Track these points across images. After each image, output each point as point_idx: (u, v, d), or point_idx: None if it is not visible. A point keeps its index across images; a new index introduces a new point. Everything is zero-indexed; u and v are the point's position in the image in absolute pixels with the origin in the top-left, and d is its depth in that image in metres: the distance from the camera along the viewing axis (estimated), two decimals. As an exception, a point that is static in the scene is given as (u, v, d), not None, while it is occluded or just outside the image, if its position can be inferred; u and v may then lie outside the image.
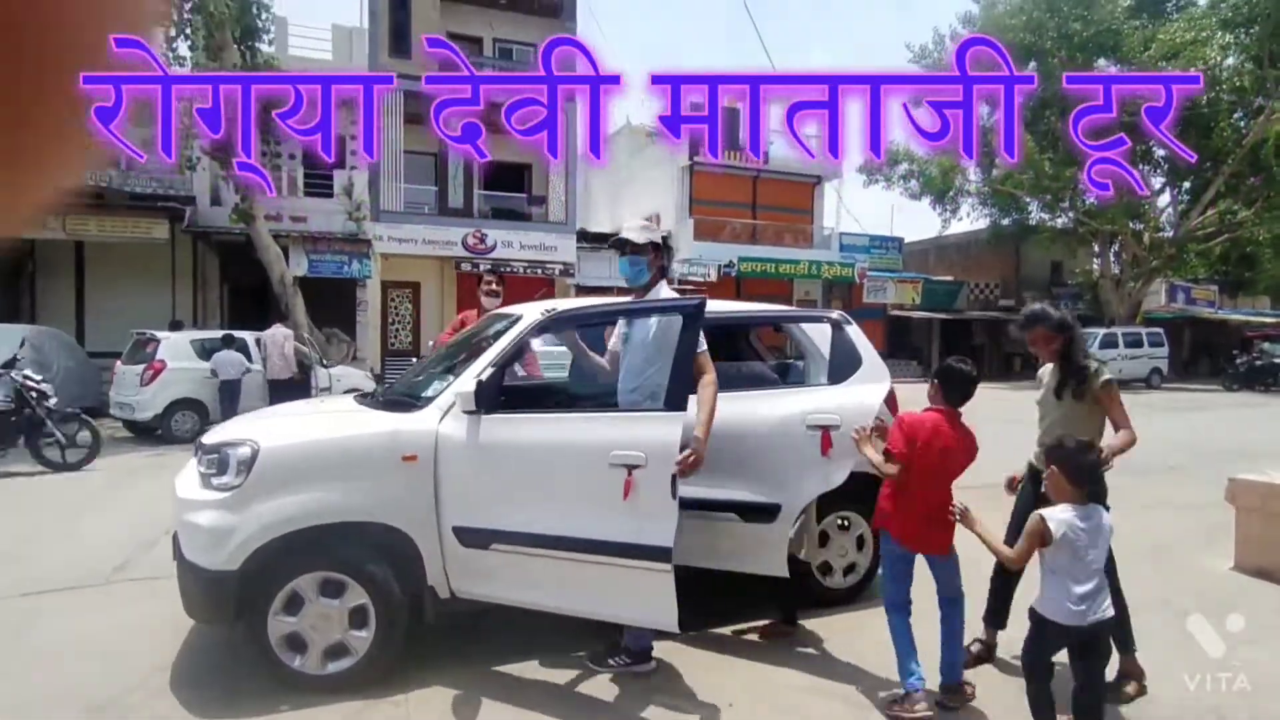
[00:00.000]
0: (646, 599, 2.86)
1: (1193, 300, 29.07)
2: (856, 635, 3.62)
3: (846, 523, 4.02)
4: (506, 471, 3.13)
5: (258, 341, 10.65)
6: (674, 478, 2.80)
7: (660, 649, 3.41)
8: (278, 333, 10.39)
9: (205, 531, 2.85)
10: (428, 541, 3.05)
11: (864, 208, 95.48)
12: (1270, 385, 21.15)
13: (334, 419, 3.28)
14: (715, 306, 3.94)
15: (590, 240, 23.09)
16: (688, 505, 3.44)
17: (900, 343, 27.43)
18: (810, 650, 3.49)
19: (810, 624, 3.76)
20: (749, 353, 4.30)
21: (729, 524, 3.55)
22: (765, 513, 3.50)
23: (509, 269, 19.51)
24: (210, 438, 3.19)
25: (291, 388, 9.68)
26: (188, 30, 12.44)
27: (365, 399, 3.63)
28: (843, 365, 3.75)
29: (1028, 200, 25.95)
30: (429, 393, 3.34)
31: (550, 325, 3.47)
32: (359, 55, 17.86)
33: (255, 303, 15.77)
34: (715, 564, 3.61)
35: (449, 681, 3.08)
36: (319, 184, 16.56)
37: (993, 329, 29.82)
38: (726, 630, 3.70)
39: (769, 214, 25.12)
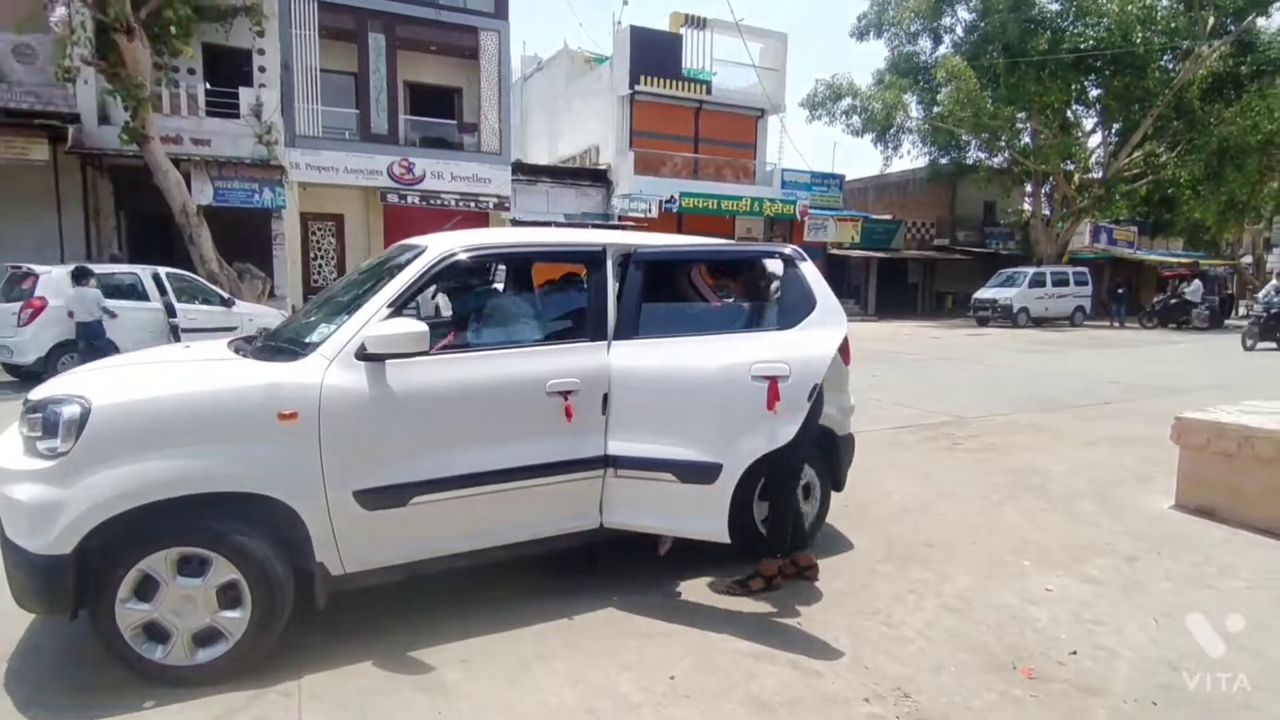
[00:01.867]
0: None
1: (1114, 241, 30.08)
2: (801, 592, 3.39)
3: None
4: (445, 414, 2.83)
5: (155, 278, 9.67)
6: None
7: (596, 618, 3.11)
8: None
9: (27, 508, 2.33)
10: (313, 512, 2.61)
11: (804, 145, 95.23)
12: (1184, 323, 22.15)
13: (194, 369, 2.73)
14: (656, 240, 3.53)
15: (526, 173, 22.08)
16: (621, 464, 3.13)
17: (839, 281, 27.58)
18: (756, 610, 3.23)
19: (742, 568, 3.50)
20: (691, 292, 3.91)
21: (665, 484, 3.20)
22: (704, 472, 3.12)
23: (439, 202, 18.48)
24: (37, 392, 2.63)
25: None
26: None
27: (241, 344, 3.09)
28: (795, 307, 3.34)
29: (966, 139, 26.00)
30: (314, 337, 2.84)
31: (457, 266, 2.99)
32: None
33: (159, 234, 14.45)
34: (650, 527, 3.30)
35: (349, 665, 2.70)
36: (223, 104, 15.09)
37: (927, 267, 30.30)
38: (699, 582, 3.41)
39: (711, 148, 24.45)
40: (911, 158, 28.59)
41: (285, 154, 15.60)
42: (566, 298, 3.50)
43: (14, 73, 12.94)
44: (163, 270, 9.88)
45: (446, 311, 5.04)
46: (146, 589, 2.47)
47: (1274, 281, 18.87)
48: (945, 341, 17.39)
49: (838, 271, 27.44)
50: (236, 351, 2.97)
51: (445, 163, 18.63)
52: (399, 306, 2.84)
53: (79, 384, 2.55)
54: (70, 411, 2.37)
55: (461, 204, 18.75)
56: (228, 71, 15.78)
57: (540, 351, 3.10)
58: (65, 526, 2.32)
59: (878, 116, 25.20)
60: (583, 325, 3.24)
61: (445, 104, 20.54)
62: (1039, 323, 22.64)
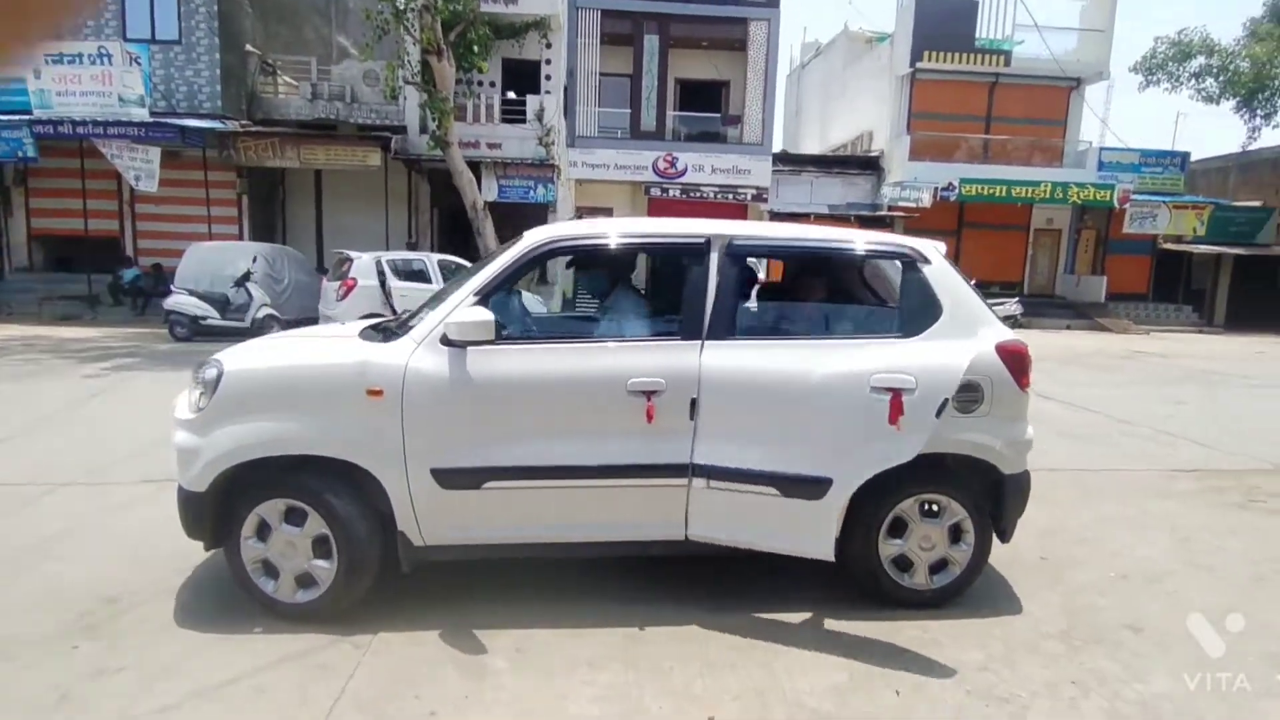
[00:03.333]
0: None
1: None
2: (920, 655, 2.82)
3: (934, 508, 3.15)
4: (520, 404, 2.87)
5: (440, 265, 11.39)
6: None
7: (670, 633, 2.92)
8: None
9: (179, 450, 2.84)
10: (395, 484, 2.81)
11: (1137, 120, 78.17)
12: None
13: (312, 346, 3.11)
14: (754, 229, 3.20)
15: (789, 163, 21.61)
16: (711, 474, 2.90)
17: (1172, 283, 22.67)
18: (854, 661, 2.77)
19: (860, 627, 3.01)
20: (811, 289, 3.45)
21: (764, 498, 2.93)
22: (811, 485, 2.85)
23: (699, 194, 18.92)
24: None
25: None
26: None
27: (378, 327, 3.43)
28: (916, 315, 2.98)
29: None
30: (414, 321, 3.04)
31: (548, 254, 2.98)
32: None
33: (464, 226, 16.89)
34: (743, 542, 3.01)
35: (420, 631, 2.87)
36: (516, 111, 17.04)
37: (1310, 269, 23.49)
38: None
39: (1009, 127, 21.55)
40: (1295, 127, 22.21)
41: (564, 154, 17.16)
42: (669, 292, 3.30)
43: (363, 95, 16.00)
44: (435, 257, 11.59)
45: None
46: (263, 531, 2.87)
47: None
48: (1313, 365, 13.36)
49: (1172, 271, 22.58)
50: (370, 331, 3.29)
51: (707, 156, 19.00)
52: (486, 295, 2.92)
53: (228, 352, 3.04)
54: (210, 374, 2.85)
55: (720, 196, 19.00)
56: (522, 81, 17.78)
57: (626, 347, 2.97)
58: (201, 468, 2.78)
59: (1244, 77, 20.10)
60: (677, 322, 3.04)
61: (713, 98, 20.90)
62: None
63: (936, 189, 19.79)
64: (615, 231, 3.17)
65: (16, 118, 13.96)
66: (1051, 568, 3.67)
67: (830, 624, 3.02)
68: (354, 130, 15.88)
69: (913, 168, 20.40)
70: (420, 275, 11.28)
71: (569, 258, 3.16)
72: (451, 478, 2.83)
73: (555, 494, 2.90)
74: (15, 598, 3.04)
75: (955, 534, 3.16)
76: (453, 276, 11.52)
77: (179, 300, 11.60)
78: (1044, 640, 2.96)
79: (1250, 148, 24.16)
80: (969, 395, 3.03)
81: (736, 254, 3.07)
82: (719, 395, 2.90)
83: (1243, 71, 19.94)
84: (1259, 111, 21.39)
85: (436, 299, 3.23)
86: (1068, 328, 19.57)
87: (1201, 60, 20.66)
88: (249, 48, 16.06)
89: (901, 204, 20.08)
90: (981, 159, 21.23)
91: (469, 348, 2.83)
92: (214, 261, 12.11)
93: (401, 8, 13.07)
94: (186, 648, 2.71)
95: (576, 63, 18.24)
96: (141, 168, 14.04)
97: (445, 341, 2.83)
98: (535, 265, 3.04)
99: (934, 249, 3.26)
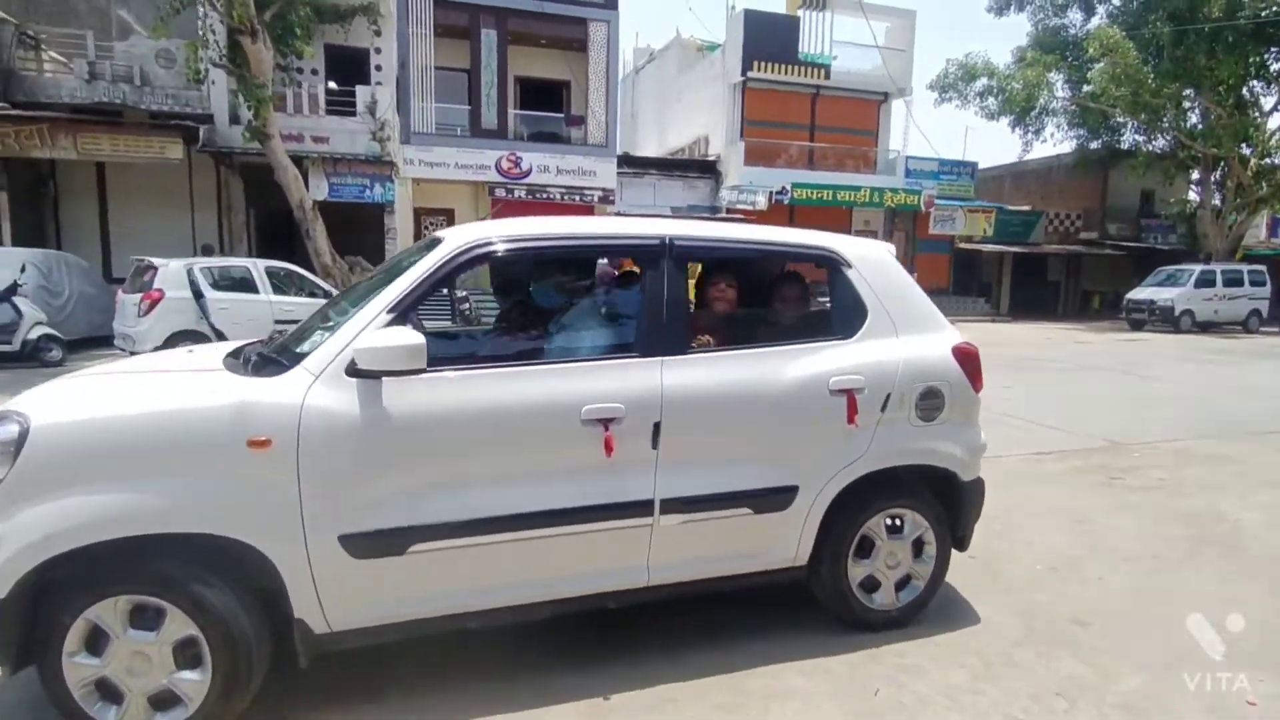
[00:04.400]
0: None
1: (1297, 235, 26.04)
2: (908, 682, 2.63)
3: (899, 522, 3.00)
4: (451, 444, 2.35)
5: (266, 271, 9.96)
6: None
7: (641, 698, 2.50)
8: None
9: (-45, 542, 2.01)
10: (289, 559, 2.16)
11: (932, 131, 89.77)
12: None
13: (163, 383, 2.35)
14: (694, 229, 2.92)
15: (633, 165, 21.68)
16: (676, 507, 2.55)
17: (968, 278, 25.50)
18: (831, 706, 2.52)
19: (838, 660, 2.78)
20: (759, 294, 3.20)
21: (734, 520, 2.68)
22: (779, 495, 2.71)
23: (545, 195, 18.41)
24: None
25: None
26: None
27: (247, 352, 2.69)
28: (846, 316, 2.93)
29: (1122, 120, 23.21)
30: (305, 347, 2.38)
31: (476, 260, 2.45)
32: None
33: (286, 229, 15.13)
34: (712, 574, 2.73)
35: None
36: (343, 102, 15.57)
37: (1071, 264, 27.42)
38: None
39: (829, 136, 23.08)
40: (1055, 142, 25.96)
41: (399, 150, 15.93)
42: (621, 301, 2.90)
43: (156, 77, 13.85)
44: (262, 263, 10.19)
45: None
46: (96, 641, 2.09)
47: None
48: (1094, 347, 15.44)
49: (967, 267, 25.38)
50: (233, 360, 2.56)
51: (552, 157, 18.52)
52: (402, 312, 2.33)
53: (28, 398, 2.21)
54: (7, 431, 2.02)
55: (567, 197, 18.60)
56: (349, 71, 16.28)
57: (577, 369, 2.52)
58: (0, 565, 1.97)
59: (1017, 97, 22.87)
60: (633, 337, 2.63)
61: (554, 98, 20.46)
62: (1205, 328, 19.85)
63: (771, 193, 20.78)
64: (555, 232, 2.69)
65: None
66: (982, 565, 3.68)
67: (811, 663, 2.74)
68: (145, 117, 13.67)
69: (747, 172, 21.23)
70: (244, 284, 9.83)
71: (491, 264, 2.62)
72: (366, 544, 2.23)
73: (499, 550, 2.38)
74: None
75: (918, 548, 3.03)
76: (285, 286, 10.29)
77: (-86, 321, 9.28)
78: (1014, 649, 2.89)
79: (1024, 158, 27.73)
80: (930, 403, 2.91)
81: (681, 256, 2.74)
82: (684, 416, 2.55)
83: (1016, 92, 22.69)
84: (1030, 128, 24.49)
85: (327, 318, 2.58)
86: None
87: (984, 81, 23.25)
88: (1, 15, 13.31)
89: (740, 206, 20.83)
90: (807, 165, 22.56)
91: (384, 379, 2.24)
92: (-38, 272, 9.82)
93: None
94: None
95: (409, 54, 17.00)
96: None
97: (353, 372, 2.22)
98: (461, 273, 2.48)
99: (883, 249, 3.14)
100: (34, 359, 9.43)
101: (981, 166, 26.73)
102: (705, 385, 2.59)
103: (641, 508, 2.52)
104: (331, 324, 2.46)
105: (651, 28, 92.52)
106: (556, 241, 2.70)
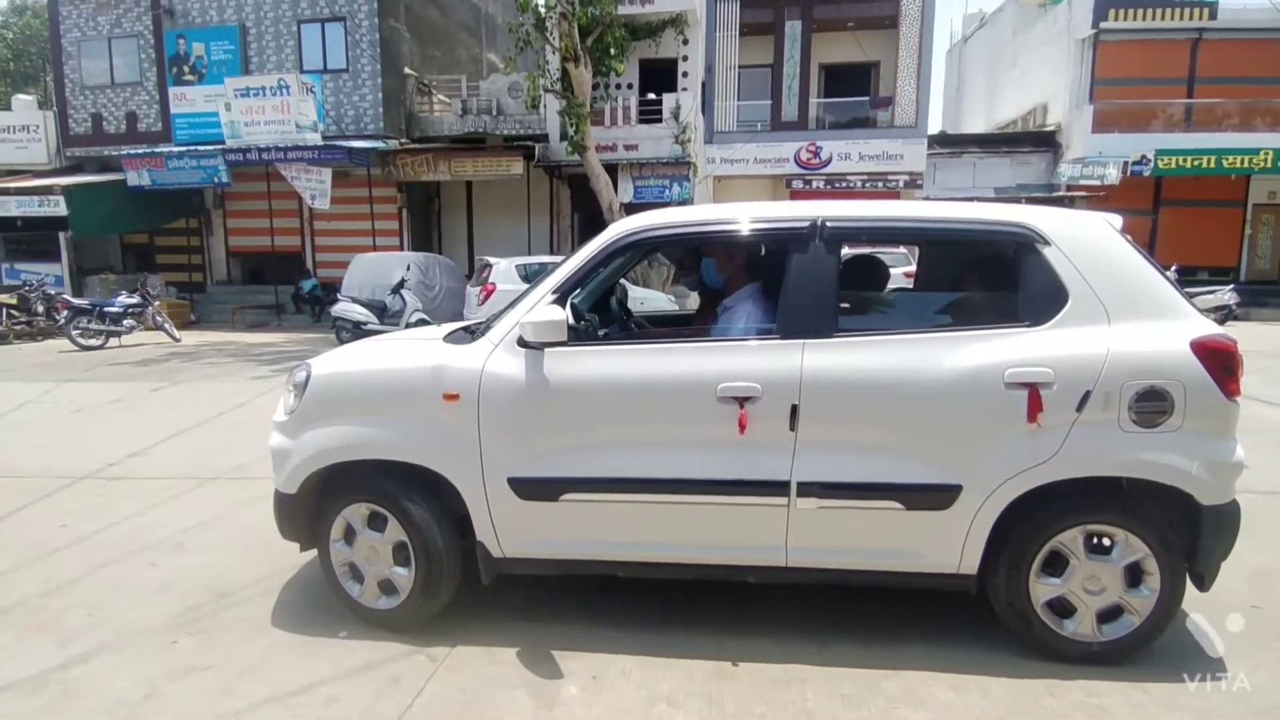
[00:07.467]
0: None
1: None
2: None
3: (1106, 542, 2.56)
4: (596, 410, 2.65)
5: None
6: None
7: (767, 672, 2.57)
8: None
9: (274, 452, 2.89)
10: (473, 492, 2.68)
11: None
12: None
13: (396, 349, 3.07)
14: (851, 209, 2.77)
15: (948, 145, 19.96)
16: (815, 491, 2.55)
17: None
18: (998, 713, 2.28)
19: (1005, 683, 2.48)
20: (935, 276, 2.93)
21: (881, 513, 2.55)
22: (939, 494, 2.50)
23: (845, 184, 17.91)
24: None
25: None
26: None
27: (466, 329, 3.32)
28: (1039, 301, 2.53)
29: None
30: (495, 322, 2.90)
31: (630, 246, 2.72)
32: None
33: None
34: (857, 565, 2.63)
35: (499, 646, 2.72)
36: (653, 111, 16.98)
37: None
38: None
39: (1217, 89, 18.56)
40: None
41: (702, 150, 16.88)
42: (769, 286, 2.92)
43: (508, 106, 16.63)
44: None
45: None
46: (350, 535, 2.85)
47: None
48: None
49: None
50: (451, 334, 3.20)
51: (853, 143, 17.93)
52: (564, 293, 2.72)
53: (322, 356, 3.05)
54: (300, 377, 2.87)
55: (869, 184, 17.86)
56: (660, 80, 17.70)
57: (716, 348, 2.65)
58: (291, 470, 2.80)
59: None
60: (777, 319, 2.67)
61: (860, 81, 19.72)
62: None
63: (1126, 164, 17.42)
64: (707, 219, 2.86)
65: (211, 148, 15.83)
66: (1268, 620, 2.90)
67: (970, 679, 2.51)
68: (500, 142, 16.55)
69: (1097, 141, 18.07)
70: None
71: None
72: (528, 488, 2.66)
73: (636, 509, 2.64)
74: (140, 587, 3.24)
75: (1134, 576, 2.55)
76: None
77: (343, 307, 12.58)
78: (1255, 718, 2.30)
79: None
80: (1152, 405, 2.42)
81: (833, 239, 2.67)
82: (824, 401, 2.52)
83: None
84: None
85: (519, 298, 3.08)
86: (1298, 319, 16.51)
87: None
88: (407, 70, 17.20)
89: (1083, 183, 17.87)
90: (1183, 127, 18.42)
91: (545, 349, 2.64)
92: (374, 271, 13.04)
93: (543, 15, 13.41)
94: (273, 649, 2.73)
95: (715, 57, 17.86)
96: (316, 188, 15.44)
97: (522, 343, 2.66)
98: (618, 258, 2.80)
99: (1100, 221, 2.68)
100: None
101: None
102: (848, 370, 2.52)
103: (777, 487, 2.56)
104: (517, 304, 2.95)
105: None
106: (703, 228, 2.85)
